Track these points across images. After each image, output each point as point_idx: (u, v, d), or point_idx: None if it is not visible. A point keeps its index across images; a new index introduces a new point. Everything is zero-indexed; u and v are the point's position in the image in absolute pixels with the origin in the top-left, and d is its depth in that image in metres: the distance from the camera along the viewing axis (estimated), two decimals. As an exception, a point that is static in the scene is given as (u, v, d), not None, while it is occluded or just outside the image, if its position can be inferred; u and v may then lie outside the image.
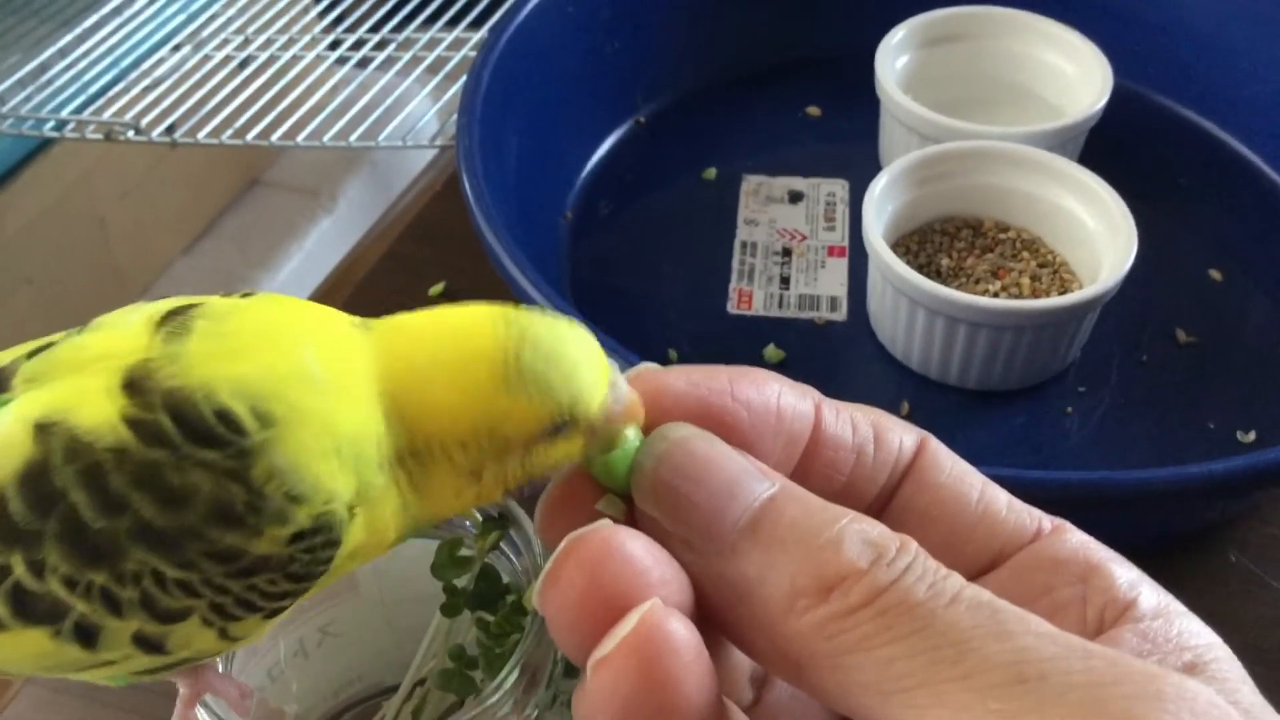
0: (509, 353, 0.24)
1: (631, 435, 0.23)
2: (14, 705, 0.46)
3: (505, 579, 0.34)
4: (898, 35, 0.64)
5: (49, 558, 0.23)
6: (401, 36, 0.81)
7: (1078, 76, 0.63)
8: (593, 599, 0.20)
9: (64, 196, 0.94)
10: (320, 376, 0.24)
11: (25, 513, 0.23)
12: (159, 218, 1.05)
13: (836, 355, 0.56)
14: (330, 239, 1.12)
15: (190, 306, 0.25)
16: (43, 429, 0.23)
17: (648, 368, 0.25)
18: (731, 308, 0.59)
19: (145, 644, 0.24)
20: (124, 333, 0.25)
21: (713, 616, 0.21)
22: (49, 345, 0.25)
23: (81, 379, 0.24)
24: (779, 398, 0.23)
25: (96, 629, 0.23)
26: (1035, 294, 0.55)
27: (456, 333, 0.24)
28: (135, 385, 0.23)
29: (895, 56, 0.64)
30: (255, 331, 0.25)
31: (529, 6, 0.61)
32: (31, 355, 0.25)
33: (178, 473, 0.22)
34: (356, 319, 0.25)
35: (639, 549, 0.21)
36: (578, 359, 0.24)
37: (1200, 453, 0.52)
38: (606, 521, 0.21)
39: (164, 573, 0.23)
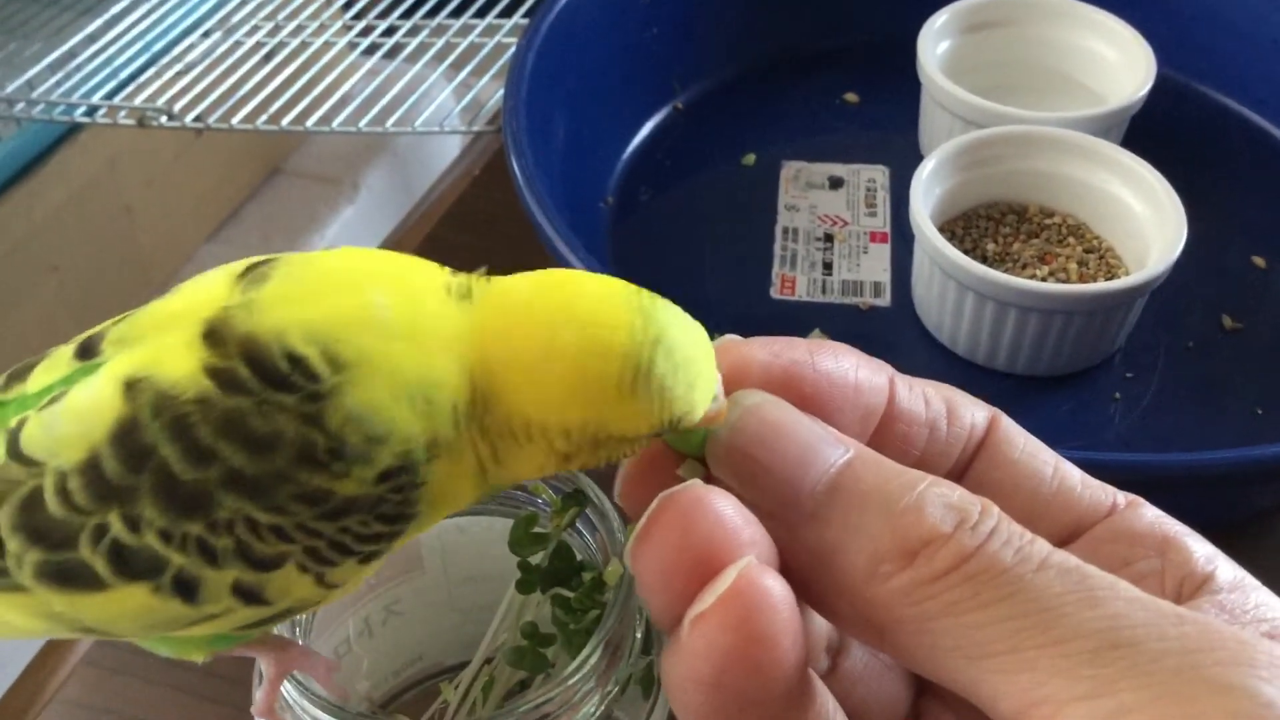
0: (641, 355, 0.22)
1: None
2: (66, 687, 0.46)
3: (579, 556, 0.34)
4: (939, 20, 0.64)
5: (145, 512, 0.23)
6: (434, 23, 0.81)
7: (1120, 63, 0.62)
8: (686, 556, 0.20)
9: (91, 184, 0.94)
10: (392, 322, 0.23)
11: (119, 469, 0.23)
12: (184, 205, 1.05)
13: (882, 340, 0.56)
14: (353, 227, 1.12)
15: (272, 259, 0.25)
16: (130, 387, 0.23)
17: (730, 339, 0.25)
18: (775, 293, 0.59)
19: (245, 595, 0.24)
20: (205, 288, 0.25)
21: (792, 582, 0.21)
22: (134, 312, 0.26)
23: (165, 336, 0.24)
24: (857, 370, 0.24)
25: (196, 581, 0.23)
26: (1083, 279, 0.54)
27: (585, 319, 0.23)
28: (214, 335, 0.23)
29: (937, 42, 0.64)
30: (329, 277, 0.25)
31: (570, -10, 0.61)
32: (118, 322, 0.25)
33: (261, 419, 0.22)
34: (460, 275, 0.25)
35: (729, 508, 0.20)
36: (701, 371, 0.23)
37: (1248, 438, 0.52)
38: (697, 481, 0.21)
39: (257, 519, 0.23)
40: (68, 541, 0.23)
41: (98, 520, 0.23)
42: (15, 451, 0.24)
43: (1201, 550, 0.21)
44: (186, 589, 0.24)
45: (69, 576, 0.24)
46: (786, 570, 0.21)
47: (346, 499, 0.23)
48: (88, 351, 0.25)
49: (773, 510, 0.21)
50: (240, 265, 0.25)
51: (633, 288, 0.24)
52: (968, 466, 0.24)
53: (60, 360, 0.26)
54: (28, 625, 0.25)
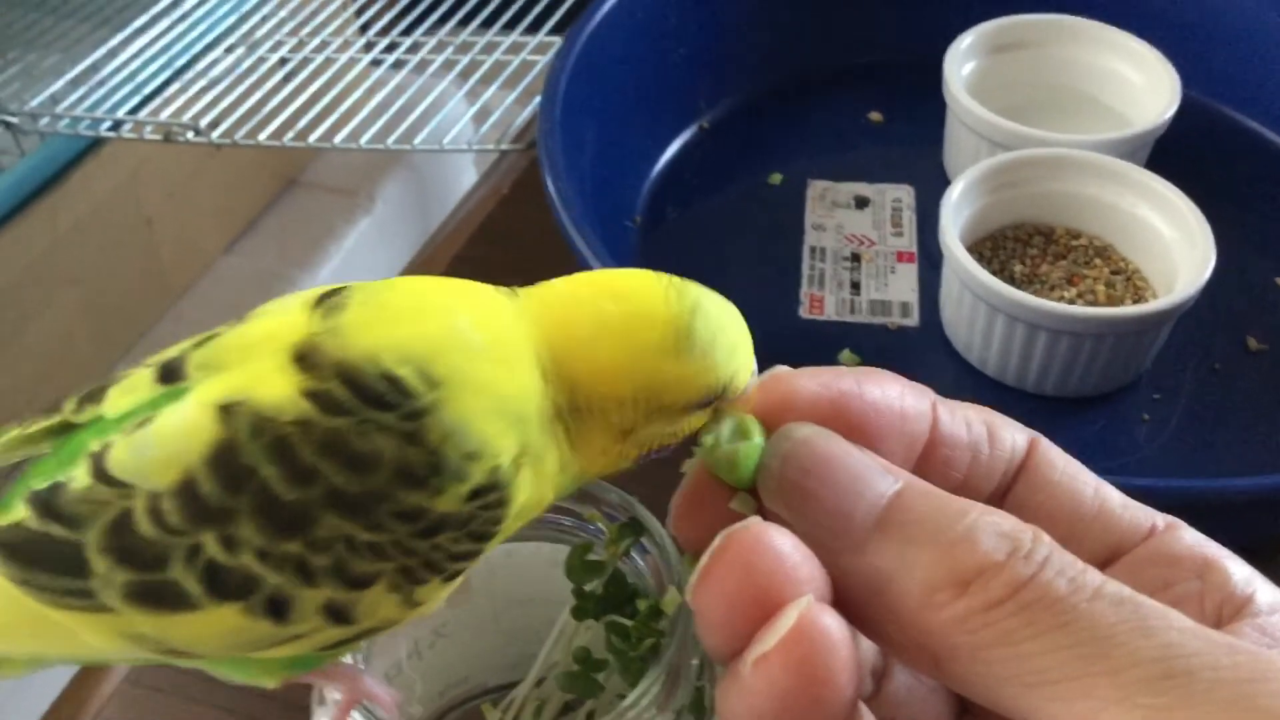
0: (681, 320, 0.25)
1: (756, 436, 0.24)
2: (109, 706, 0.46)
3: (631, 583, 0.34)
4: (965, 41, 0.64)
5: (242, 532, 0.23)
6: (458, 40, 0.82)
7: (1145, 86, 0.63)
8: (746, 595, 0.20)
9: (112, 197, 0.95)
10: (476, 340, 0.25)
11: (217, 491, 0.23)
12: (203, 218, 1.05)
13: (911, 360, 0.57)
14: (369, 240, 1.13)
15: (343, 288, 0.26)
16: (226, 410, 0.24)
17: (780, 371, 0.25)
18: (803, 313, 0.59)
19: (334, 614, 0.24)
20: (284, 315, 0.26)
21: (845, 611, 0.21)
22: (214, 335, 0.26)
23: (253, 362, 0.25)
24: (903, 398, 0.24)
25: (288, 600, 0.24)
26: (1110, 301, 0.55)
27: (626, 294, 0.25)
28: (306, 359, 0.24)
29: (963, 62, 0.64)
30: (408, 302, 0.26)
31: (602, 11, 0.62)
32: (198, 346, 0.26)
33: (361, 438, 0.23)
34: (503, 288, 0.26)
35: (788, 545, 0.21)
36: (740, 337, 0.26)
37: (1277, 459, 0.52)
38: (757, 519, 0.22)
39: (355, 537, 0.23)
40: (159, 562, 0.24)
41: (191, 541, 0.24)
42: (102, 474, 0.24)
43: (1240, 573, 0.22)
44: (277, 609, 0.24)
45: (159, 597, 0.24)
46: (838, 599, 0.21)
47: (441, 516, 0.24)
48: (171, 375, 0.25)
49: (825, 540, 0.22)
50: (313, 294, 0.26)
51: (661, 274, 0.26)
52: (1009, 489, 0.24)
53: (140, 383, 0.26)
54: (106, 646, 0.26)
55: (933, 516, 0.21)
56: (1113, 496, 0.23)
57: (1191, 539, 0.22)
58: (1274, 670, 0.18)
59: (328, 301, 0.25)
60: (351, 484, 0.23)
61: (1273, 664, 0.18)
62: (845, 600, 0.21)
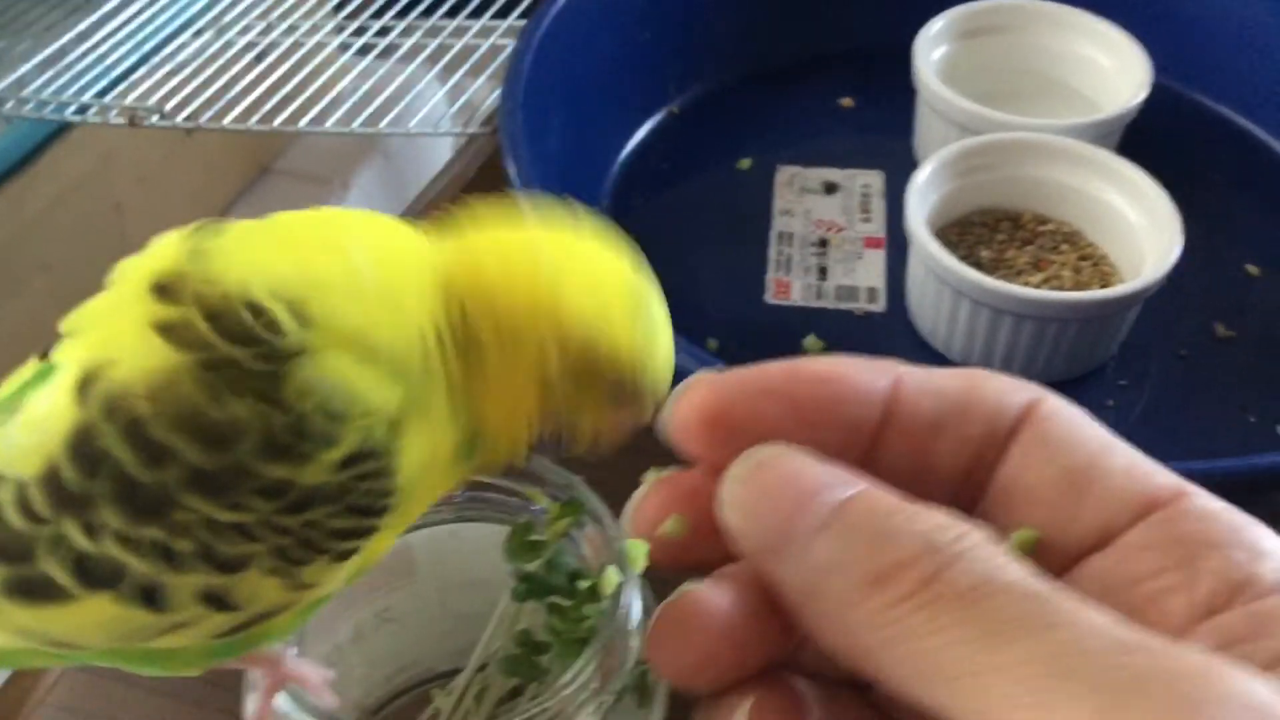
0: (640, 294, 0.26)
1: None
2: (55, 692, 0.45)
3: (573, 563, 0.33)
4: (936, 26, 0.64)
5: (103, 518, 0.23)
6: (428, 24, 0.81)
7: (1115, 71, 0.63)
8: (693, 659, 0.21)
9: (82, 182, 0.94)
10: (367, 277, 0.24)
11: (77, 477, 0.23)
12: (175, 204, 1.04)
13: (877, 346, 0.56)
14: (344, 228, 1.12)
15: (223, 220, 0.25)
16: (82, 388, 0.23)
17: (702, 378, 0.24)
18: (770, 298, 0.58)
19: (213, 600, 0.24)
20: (154, 250, 0.24)
21: (800, 623, 0.21)
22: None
23: (111, 311, 0.24)
24: (843, 381, 0.23)
25: (159, 587, 0.23)
26: (1077, 286, 0.54)
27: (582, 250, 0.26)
28: (166, 289, 0.23)
29: (933, 48, 0.63)
30: (305, 229, 0.25)
31: (567, -7, 0.61)
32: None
33: (217, 406, 0.22)
34: (428, 227, 0.26)
35: (726, 604, 0.21)
36: (669, 351, 0.27)
37: (1242, 446, 0.52)
38: (690, 585, 0.22)
39: (217, 518, 0.22)
40: (27, 554, 0.23)
41: (56, 530, 0.23)
42: None
43: (1238, 556, 0.21)
44: (150, 596, 0.23)
45: (32, 590, 0.23)
46: (792, 612, 0.21)
47: (309, 489, 0.23)
48: (48, 350, 0.25)
49: (776, 547, 0.21)
50: (192, 225, 0.25)
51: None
52: (999, 460, 0.23)
53: (28, 366, 0.25)
54: (6, 644, 0.25)
55: (867, 519, 0.20)
56: (1114, 464, 0.21)
57: (1196, 516, 0.21)
58: (1170, 675, 0.17)
59: (203, 229, 0.24)
60: (209, 460, 0.22)
61: (1169, 670, 0.17)
62: (797, 612, 0.21)
